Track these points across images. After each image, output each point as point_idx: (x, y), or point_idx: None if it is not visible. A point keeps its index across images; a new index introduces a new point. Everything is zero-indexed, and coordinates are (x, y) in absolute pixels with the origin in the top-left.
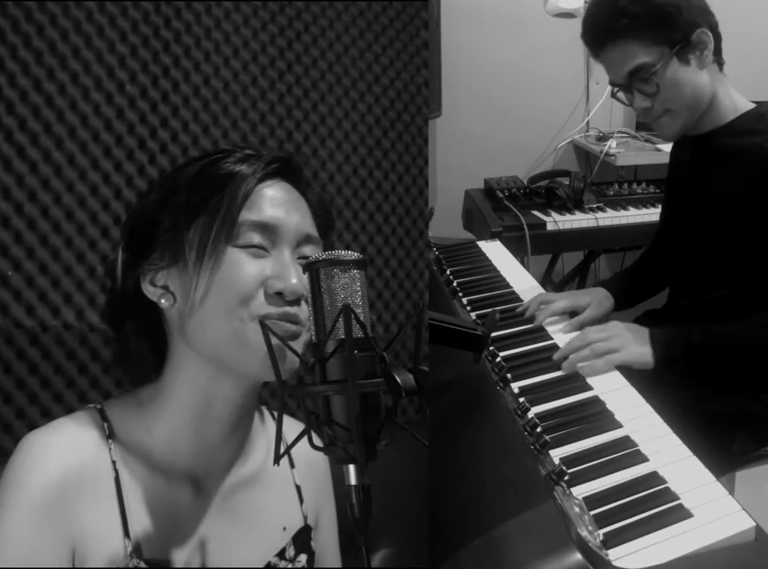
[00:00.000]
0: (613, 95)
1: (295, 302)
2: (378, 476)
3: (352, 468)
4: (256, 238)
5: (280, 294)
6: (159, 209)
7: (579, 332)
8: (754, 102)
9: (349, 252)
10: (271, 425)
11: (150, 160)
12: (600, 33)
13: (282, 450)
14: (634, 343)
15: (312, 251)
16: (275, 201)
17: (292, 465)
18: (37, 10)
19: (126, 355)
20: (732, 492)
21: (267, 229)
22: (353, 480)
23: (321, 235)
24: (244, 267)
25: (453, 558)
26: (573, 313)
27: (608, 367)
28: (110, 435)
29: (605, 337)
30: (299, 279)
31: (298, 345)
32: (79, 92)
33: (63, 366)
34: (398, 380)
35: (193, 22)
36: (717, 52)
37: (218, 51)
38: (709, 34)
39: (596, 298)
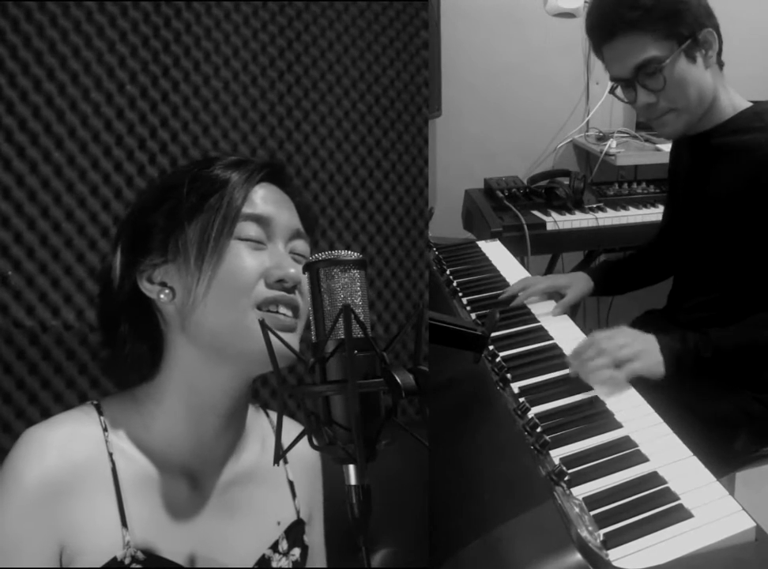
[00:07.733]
0: (612, 91)
1: (293, 289)
2: (378, 476)
3: (351, 468)
4: (253, 230)
5: (280, 281)
6: (155, 210)
7: (586, 338)
8: (751, 101)
9: (349, 252)
10: (265, 422)
11: (150, 160)
12: (611, 24)
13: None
14: (646, 352)
15: (302, 246)
16: (267, 199)
17: (285, 461)
18: (37, 10)
19: (122, 358)
20: (732, 493)
21: (262, 222)
22: (353, 480)
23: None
24: (245, 259)
25: (453, 558)
26: (553, 294)
27: (629, 378)
28: (106, 428)
29: (621, 345)
30: (296, 268)
31: (294, 337)
32: (79, 92)
33: (63, 366)
34: (398, 380)
35: (193, 22)
36: (719, 54)
37: (218, 51)
38: (715, 35)
39: (574, 279)
